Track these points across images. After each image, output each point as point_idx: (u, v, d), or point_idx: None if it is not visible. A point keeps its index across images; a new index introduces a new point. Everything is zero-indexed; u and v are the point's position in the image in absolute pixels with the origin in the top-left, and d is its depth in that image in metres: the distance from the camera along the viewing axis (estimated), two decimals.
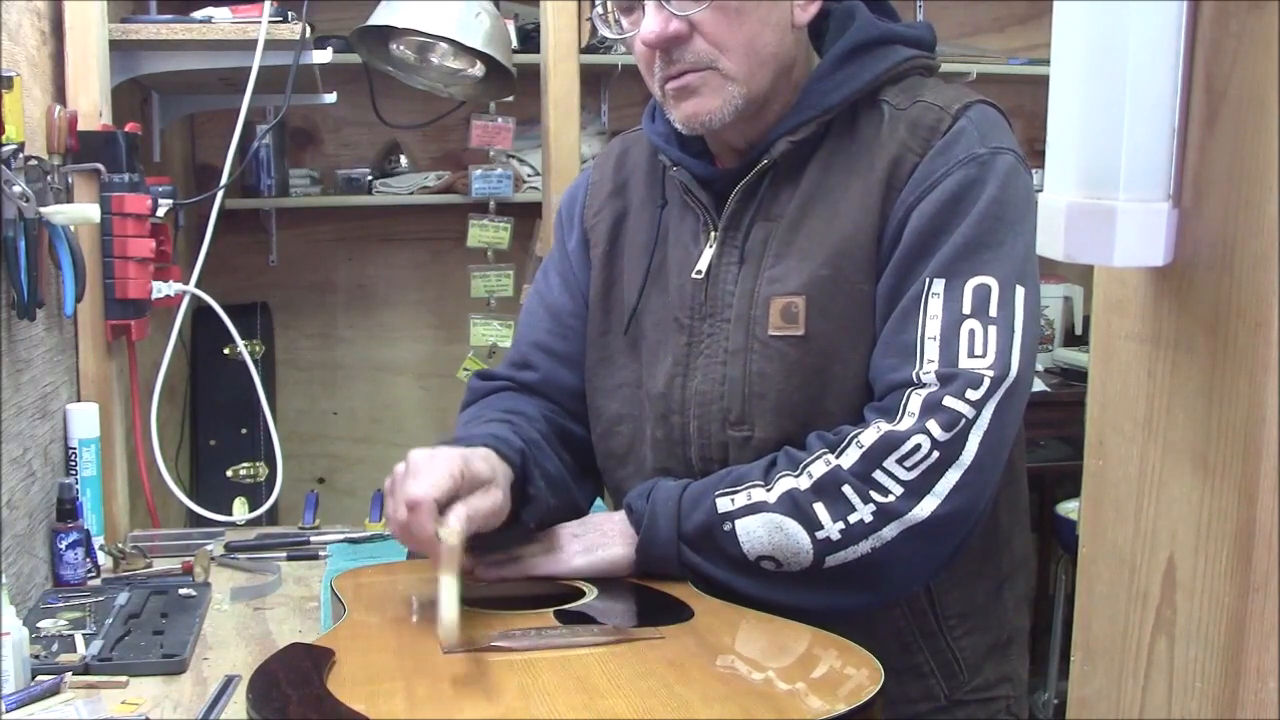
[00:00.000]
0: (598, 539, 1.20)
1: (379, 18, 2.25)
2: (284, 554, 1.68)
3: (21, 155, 1.43)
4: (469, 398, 1.40)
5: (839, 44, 1.21)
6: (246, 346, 2.18)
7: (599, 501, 1.45)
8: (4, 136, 1.38)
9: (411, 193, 3.28)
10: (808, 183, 1.20)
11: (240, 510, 1.94)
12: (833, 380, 1.17)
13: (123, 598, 1.42)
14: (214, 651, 1.31)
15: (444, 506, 1.06)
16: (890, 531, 1.08)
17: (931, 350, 1.11)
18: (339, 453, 3.52)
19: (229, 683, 1.20)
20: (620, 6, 1.21)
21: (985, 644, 1.26)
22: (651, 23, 1.15)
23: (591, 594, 1.14)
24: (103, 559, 1.61)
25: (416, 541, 1.07)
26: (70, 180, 1.69)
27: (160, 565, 1.62)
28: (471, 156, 3.22)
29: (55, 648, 1.26)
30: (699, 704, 0.87)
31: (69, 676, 1.19)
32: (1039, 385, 2.94)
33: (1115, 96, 0.66)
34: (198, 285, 1.93)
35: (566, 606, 1.10)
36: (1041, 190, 0.72)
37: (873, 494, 1.09)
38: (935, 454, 1.08)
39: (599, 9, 1.23)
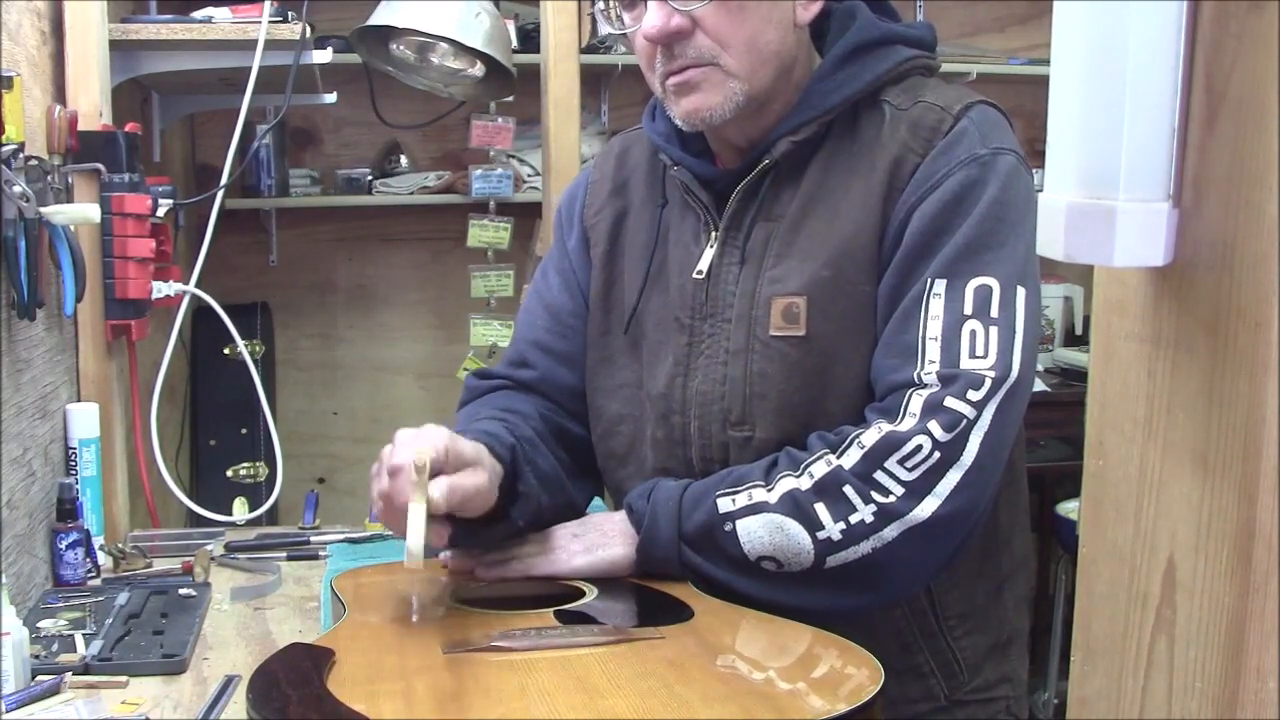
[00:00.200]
0: (598, 539, 1.20)
1: (379, 18, 2.25)
2: (284, 554, 1.68)
3: (21, 155, 1.43)
4: (466, 396, 1.40)
5: (840, 44, 1.21)
6: (246, 346, 2.18)
7: (598, 501, 1.45)
8: (4, 136, 1.38)
9: (411, 193, 3.28)
10: (809, 183, 1.20)
11: (240, 510, 1.94)
12: (834, 381, 1.17)
13: (123, 598, 1.42)
14: (214, 651, 1.31)
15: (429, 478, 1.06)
16: (891, 532, 1.08)
17: (933, 351, 1.11)
18: (339, 453, 3.52)
19: (229, 683, 1.20)
20: (622, 2, 1.21)
21: (985, 644, 1.26)
22: (654, 17, 1.15)
23: (591, 594, 1.14)
24: (103, 559, 1.61)
25: (396, 511, 1.07)
26: (70, 180, 1.69)
27: (160, 565, 1.62)
28: (471, 156, 3.22)
29: (55, 648, 1.26)
30: (699, 704, 0.87)
31: (69, 676, 1.19)
32: (1039, 385, 2.93)
33: (1115, 96, 0.66)
34: (198, 285, 1.93)
35: (566, 606, 1.10)
36: (1041, 190, 0.72)
37: (874, 494, 1.09)
38: (936, 455, 1.08)
39: (601, 4, 1.23)
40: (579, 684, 0.90)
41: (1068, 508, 2.75)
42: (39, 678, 1.18)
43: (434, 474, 1.06)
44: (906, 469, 1.08)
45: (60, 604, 1.41)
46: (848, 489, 1.09)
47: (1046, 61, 0.73)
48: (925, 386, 1.10)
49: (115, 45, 1.86)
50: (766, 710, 0.86)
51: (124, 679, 1.20)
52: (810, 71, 1.23)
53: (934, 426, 1.08)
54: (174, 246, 2.01)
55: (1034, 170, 1.16)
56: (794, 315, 1.17)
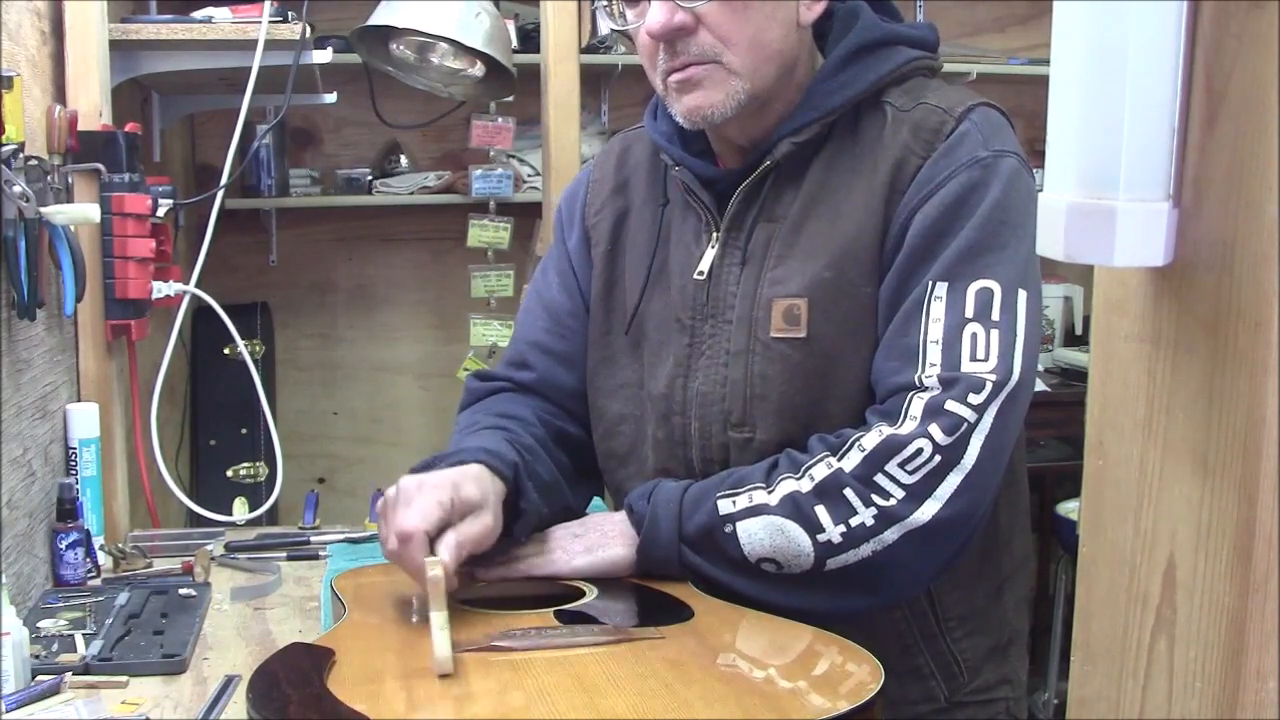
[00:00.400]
0: (599, 539, 1.20)
1: (379, 18, 2.25)
2: (284, 554, 1.67)
3: (21, 155, 1.43)
4: (466, 399, 1.40)
5: (842, 45, 1.21)
6: (246, 346, 2.18)
7: (598, 501, 1.45)
8: (4, 136, 1.38)
9: (411, 193, 3.28)
10: (810, 184, 1.20)
11: (240, 510, 1.94)
12: (834, 383, 1.17)
13: (123, 598, 1.42)
14: (214, 651, 1.31)
15: (435, 535, 1.07)
16: (891, 535, 1.08)
17: (934, 354, 1.11)
18: (339, 453, 3.52)
19: (229, 683, 1.20)
20: None
21: (985, 645, 1.26)
22: (657, 14, 1.15)
23: (592, 594, 1.14)
24: (103, 559, 1.61)
25: (408, 572, 1.09)
26: (70, 180, 1.69)
27: (160, 565, 1.62)
28: (471, 156, 3.22)
29: (55, 648, 1.26)
30: (699, 703, 0.87)
31: (69, 676, 1.19)
32: (1039, 385, 2.94)
33: (1115, 96, 0.66)
34: (198, 285, 1.93)
35: (567, 606, 1.10)
36: (1042, 190, 0.72)
37: (874, 497, 1.09)
38: (937, 458, 1.08)
39: (603, 1, 1.23)
40: (579, 684, 0.90)
41: (1068, 508, 2.75)
42: (39, 678, 1.18)
43: (440, 530, 1.08)
44: (907, 472, 1.08)
45: (60, 604, 1.41)
46: (848, 491, 1.09)
47: (1046, 61, 0.73)
48: (926, 389, 1.10)
49: (115, 45, 1.86)
50: (767, 709, 0.86)
51: (124, 679, 1.20)
52: (812, 72, 1.23)
53: (935, 429, 1.08)
54: (174, 246, 2.01)
55: (1035, 170, 1.16)
56: (795, 317, 1.17)
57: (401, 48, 2.36)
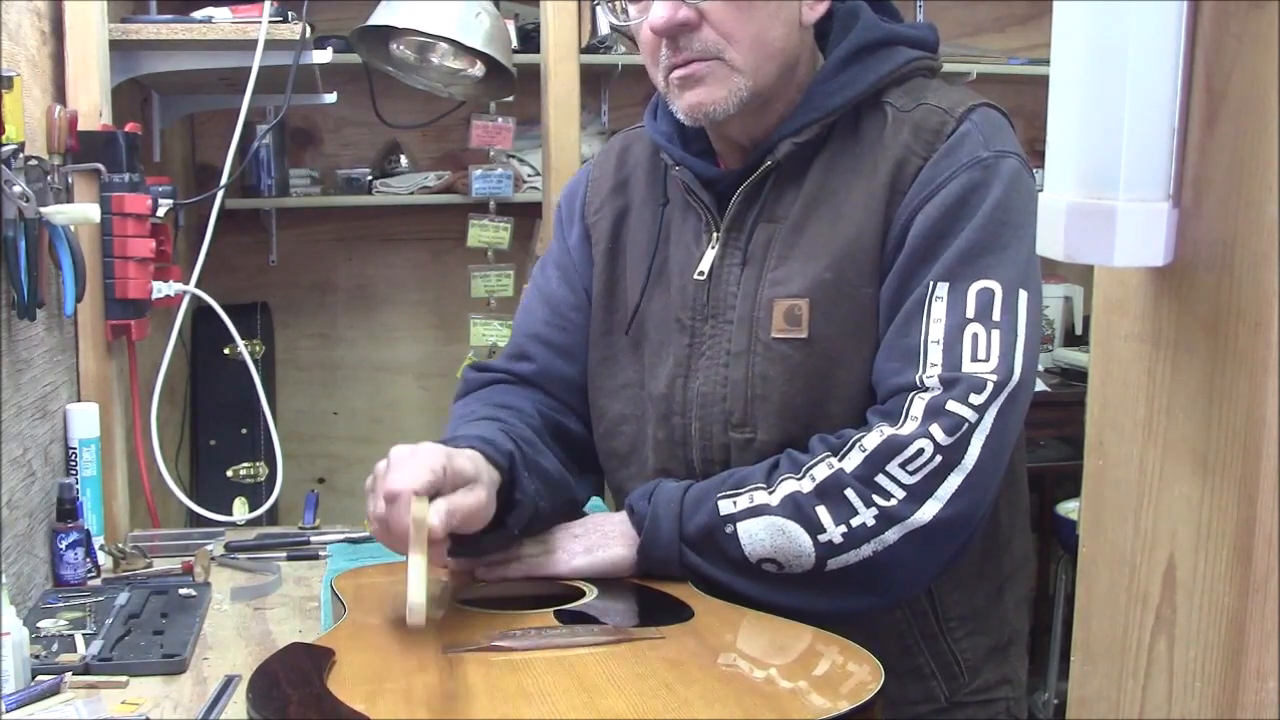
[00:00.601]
0: (599, 540, 1.20)
1: (379, 18, 2.25)
2: (284, 554, 1.67)
3: (21, 155, 1.43)
4: (463, 389, 1.38)
5: (843, 45, 1.21)
6: (246, 346, 2.18)
7: (598, 501, 1.45)
8: (4, 136, 1.38)
9: (411, 193, 3.28)
10: (811, 184, 1.20)
11: (240, 510, 1.94)
12: (835, 383, 1.17)
13: (123, 598, 1.42)
14: (214, 651, 1.31)
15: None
16: (892, 535, 1.08)
17: (935, 354, 1.11)
18: (339, 453, 3.52)
19: (229, 683, 1.20)
20: None
21: (986, 645, 1.26)
22: (661, 9, 1.15)
23: (592, 594, 1.14)
24: (103, 559, 1.61)
25: (394, 537, 1.05)
26: (70, 180, 1.69)
27: (160, 565, 1.62)
28: (471, 156, 3.22)
29: (55, 648, 1.26)
30: (699, 703, 0.87)
31: (69, 676, 1.19)
32: (1039, 385, 2.93)
33: (1115, 96, 0.66)
34: (198, 285, 1.93)
35: (567, 606, 1.10)
36: (1042, 190, 0.72)
37: (875, 497, 1.09)
38: (938, 458, 1.08)
39: None
40: (579, 684, 0.90)
41: (1068, 508, 2.75)
42: (39, 678, 1.18)
43: (432, 496, 1.04)
44: (908, 472, 1.08)
45: (60, 604, 1.41)
46: (849, 492, 1.09)
47: (1046, 61, 0.73)
48: (927, 390, 1.10)
49: (115, 45, 1.86)
50: (767, 710, 0.86)
51: (124, 679, 1.20)
52: (813, 71, 1.23)
53: (936, 430, 1.08)
54: (174, 246, 2.01)
55: (1035, 170, 1.16)
56: (796, 317, 1.17)
57: (401, 48, 2.36)
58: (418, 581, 0.91)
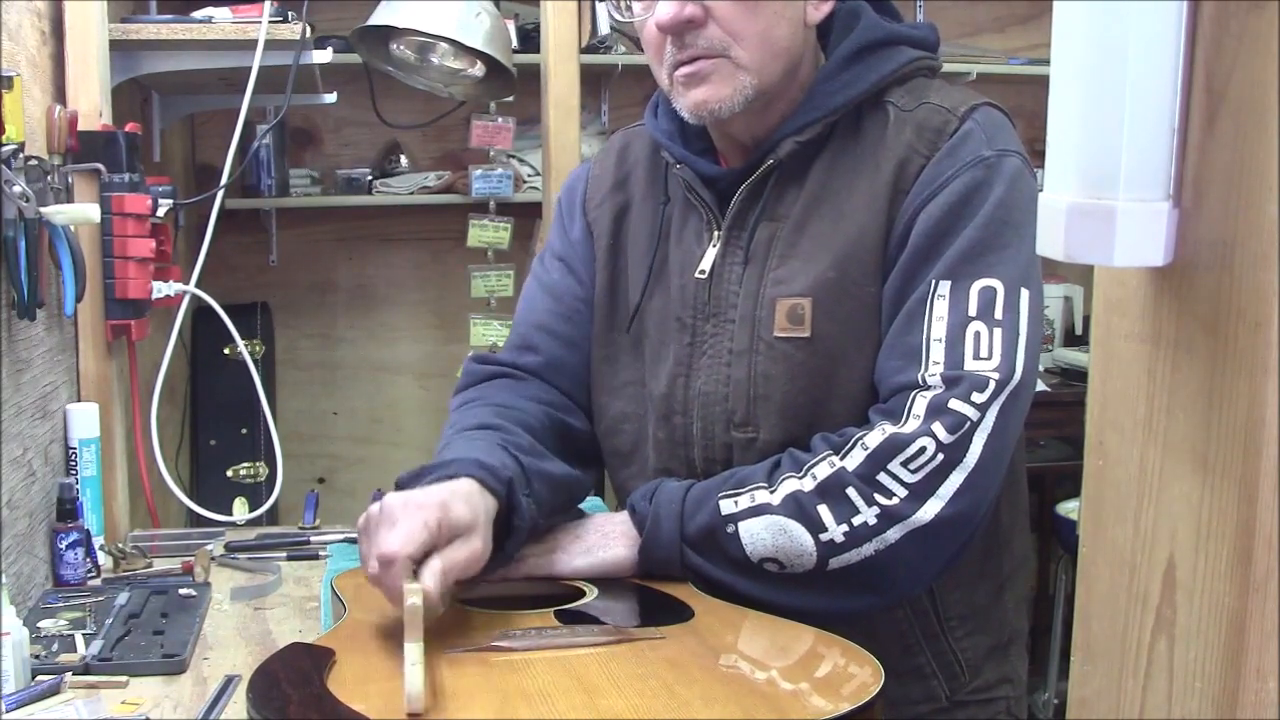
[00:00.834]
0: (600, 540, 1.20)
1: (379, 18, 2.25)
2: (284, 554, 1.67)
3: (21, 155, 1.43)
4: (464, 381, 1.36)
5: (845, 45, 1.21)
6: (246, 346, 2.18)
7: (598, 501, 1.45)
8: (4, 136, 1.38)
9: (411, 193, 3.28)
10: (813, 183, 1.20)
11: (240, 510, 1.94)
12: (838, 382, 1.17)
13: (123, 598, 1.42)
14: (214, 651, 1.31)
15: (420, 560, 1.00)
16: (894, 534, 1.08)
17: (937, 352, 1.11)
18: (339, 453, 3.52)
19: (229, 683, 1.20)
20: None
21: (986, 645, 1.26)
22: (667, 6, 1.14)
23: (592, 594, 1.14)
24: (103, 559, 1.61)
25: (387, 597, 1.01)
26: (70, 180, 1.69)
27: (160, 565, 1.62)
28: (471, 156, 3.22)
29: (55, 648, 1.26)
30: (700, 704, 0.87)
31: (69, 676, 1.19)
32: (1039, 385, 2.94)
33: (1115, 96, 0.66)
34: (198, 285, 1.93)
35: (567, 606, 1.10)
36: (1042, 190, 0.72)
37: (877, 496, 1.09)
38: (940, 456, 1.08)
39: None
40: (579, 684, 0.90)
41: (1068, 508, 2.75)
42: (39, 678, 1.18)
43: (425, 554, 1.00)
44: (910, 471, 1.08)
45: (60, 604, 1.41)
46: (851, 491, 1.09)
47: (1046, 61, 0.73)
48: (929, 388, 1.10)
49: (115, 45, 1.86)
50: (767, 710, 0.86)
51: (124, 679, 1.20)
52: (815, 71, 1.23)
53: (938, 428, 1.08)
54: (174, 246, 2.01)
55: (1035, 170, 1.16)
56: (799, 316, 1.17)
57: (401, 48, 2.36)
58: (414, 673, 0.88)
